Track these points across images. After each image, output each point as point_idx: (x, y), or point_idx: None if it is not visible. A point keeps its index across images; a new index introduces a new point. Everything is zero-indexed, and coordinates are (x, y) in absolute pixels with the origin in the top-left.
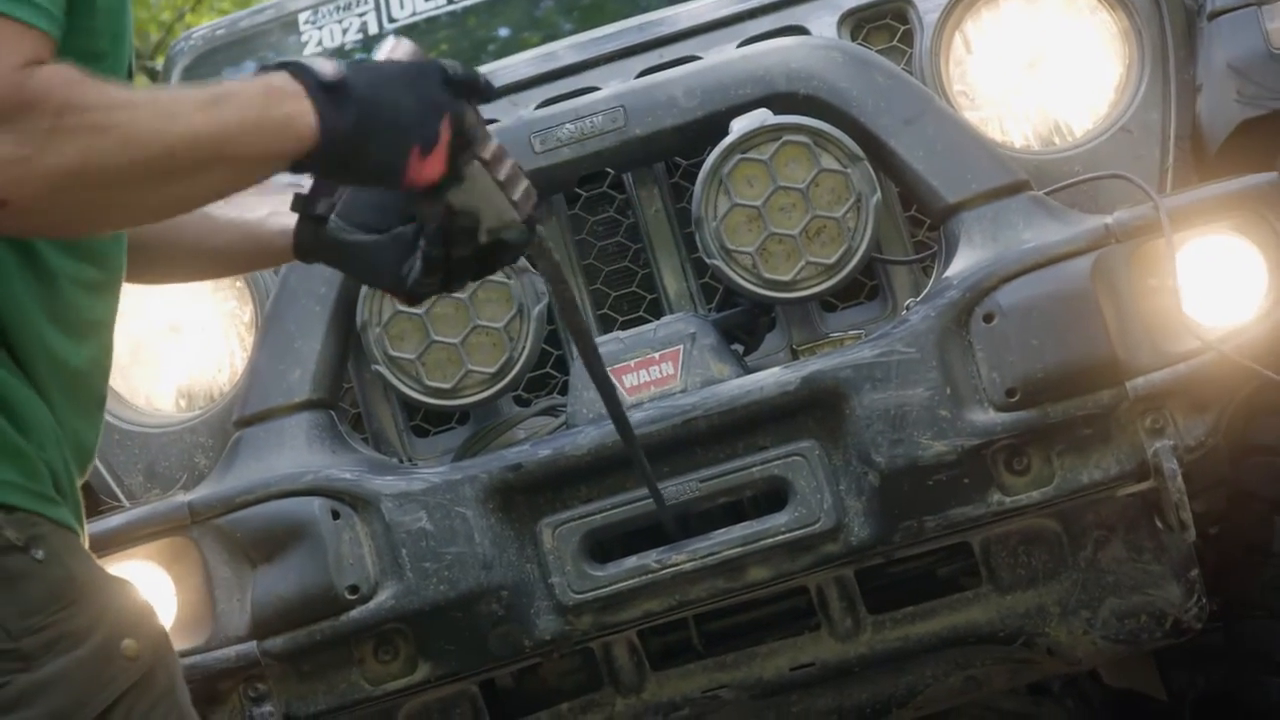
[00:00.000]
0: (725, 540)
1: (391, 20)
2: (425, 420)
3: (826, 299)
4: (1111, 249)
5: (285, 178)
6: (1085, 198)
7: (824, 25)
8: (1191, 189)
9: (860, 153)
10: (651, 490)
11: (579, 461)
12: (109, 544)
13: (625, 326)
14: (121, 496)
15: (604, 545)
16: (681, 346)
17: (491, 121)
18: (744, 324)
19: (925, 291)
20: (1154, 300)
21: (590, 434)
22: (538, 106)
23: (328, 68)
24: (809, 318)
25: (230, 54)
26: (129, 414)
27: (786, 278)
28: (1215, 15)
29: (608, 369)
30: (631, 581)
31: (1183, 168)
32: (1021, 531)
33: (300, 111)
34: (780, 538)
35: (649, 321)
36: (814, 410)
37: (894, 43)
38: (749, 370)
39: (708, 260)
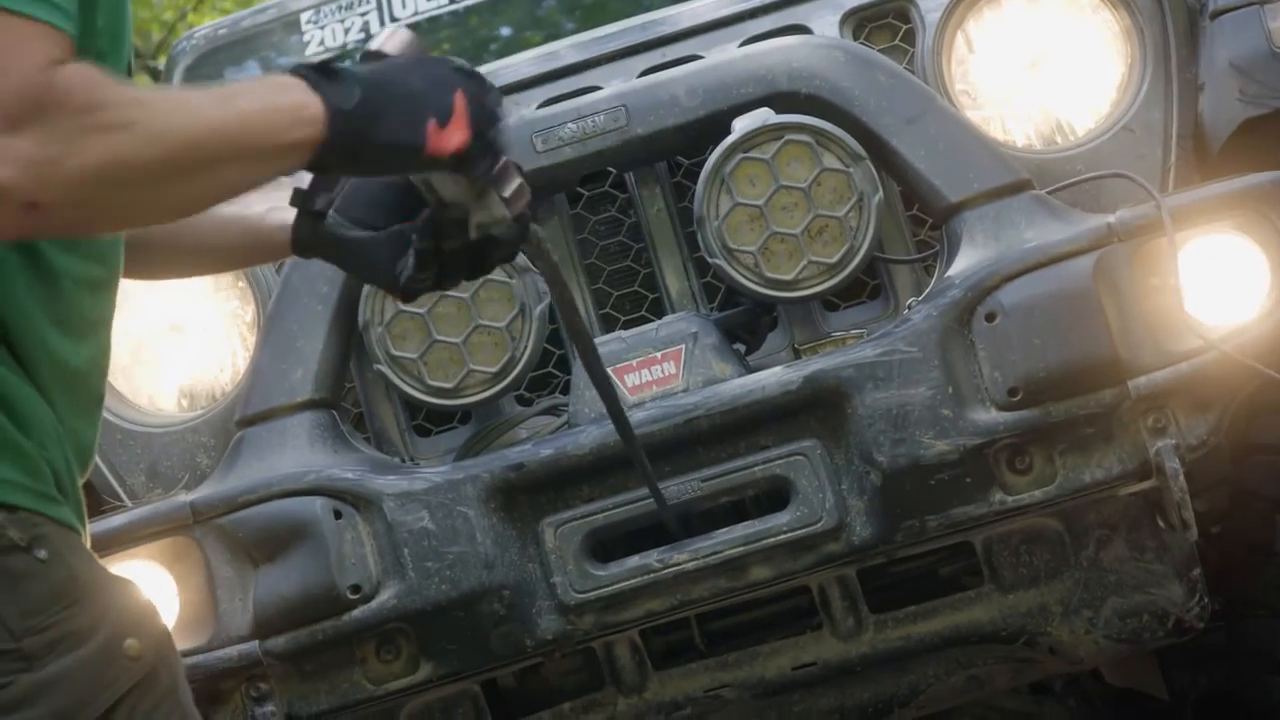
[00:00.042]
0: (727, 540)
1: (394, 19)
2: (427, 420)
3: (828, 298)
4: (1114, 248)
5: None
6: (1087, 197)
7: (826, 24)
8: (1194, 188)
9: (862, 152)
10: (652, 490)
11: (581, 461)
12: (111, 544)
13: (627, 326)
14: (124, 496)
15: (606, 545)
16: (683, 346)
17: None
18: (746, 323)
19: (927, 291)
20: (1156, 299)
21: (592, 433)
22: (539, 106)
23: (328, 64)
24: (811, 317)
25: (232, 53)
26: (131, 414)
27: (788, 277)
28: (1217, 14)
29: (610, 369)
30: (633, 581)
31: (1185, 167)
32: (1023, 531)
33: (306, 99)
34: (782, 537)
35: (651, 321)
36: (816, 409)
37: (896, 42)
38: (751, 370)
39: (710, 259)
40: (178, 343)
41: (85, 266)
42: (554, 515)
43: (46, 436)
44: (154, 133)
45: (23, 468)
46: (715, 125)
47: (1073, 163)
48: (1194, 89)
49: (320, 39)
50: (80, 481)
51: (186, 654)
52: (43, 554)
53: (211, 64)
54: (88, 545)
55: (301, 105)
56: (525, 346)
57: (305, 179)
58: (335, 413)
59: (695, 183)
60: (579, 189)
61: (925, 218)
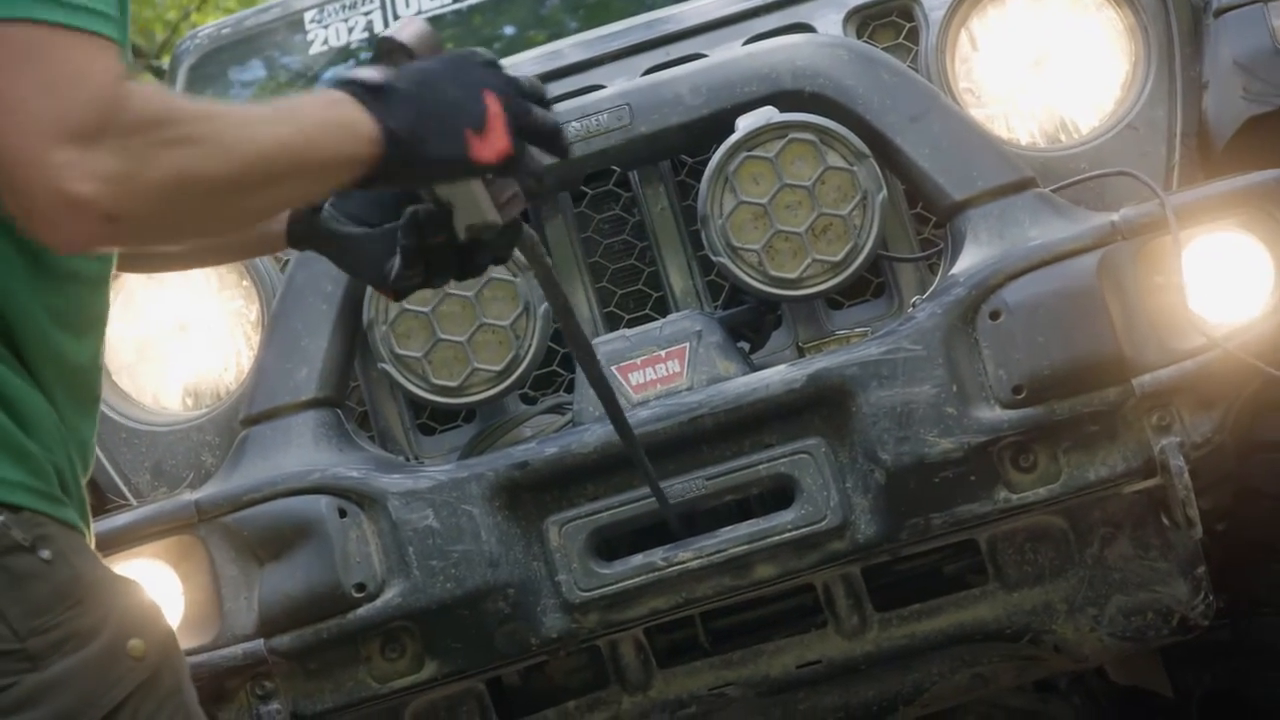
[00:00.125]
0: (732, 538)
1: (397, 19)
2: (432, 418)
3: (832, 296)
4: (1118, 246)
5: None
6: (1091, 195)
7: (830, 23)
8: (1198, 186)
9: (866, 150)
10: (654, 489)
11: (585, 459)
12: (116, 543)
13: (631, 324)
14: (128, 495)
15: (610, 543)
16: (687, 344)
17: None
18: (750, 321)
19: (931, 289)
20: (1160, 297)
21: (597, 432)
22: None
23: (372, 75)
24: (815, 315)
25: (236, 53)
26: (136, 412)
27: (792, 275)
28: (1221, 12)
29: (614, 367)
30: (638, 579)
31: (1189, 165)
32: (1028, 529)
33: (359, 116)
34: (786, 535)
35: (655, 319)
36: (820, 408)
37: (900, 40)
38: (755, 368)
39: (714, 258)
40: (182, 341)
41: (84, 263)
42: (559, 514)
43: (49, 436)
44: (224, 147)
45: (26, 468)
46: (719, 124)
47: (1077, 161)
48: (1198, 87)
49: (324, 38)
50: (83, 480)
51: (191, 652)
52: (46, 554)
53: (215, 63)
54: (92, 545)
55: (357, 121)
56: (529, 345)
57: None
58: (340, 411)
59: (699, 181)
60: (583, 188)
61: (929, 216)
